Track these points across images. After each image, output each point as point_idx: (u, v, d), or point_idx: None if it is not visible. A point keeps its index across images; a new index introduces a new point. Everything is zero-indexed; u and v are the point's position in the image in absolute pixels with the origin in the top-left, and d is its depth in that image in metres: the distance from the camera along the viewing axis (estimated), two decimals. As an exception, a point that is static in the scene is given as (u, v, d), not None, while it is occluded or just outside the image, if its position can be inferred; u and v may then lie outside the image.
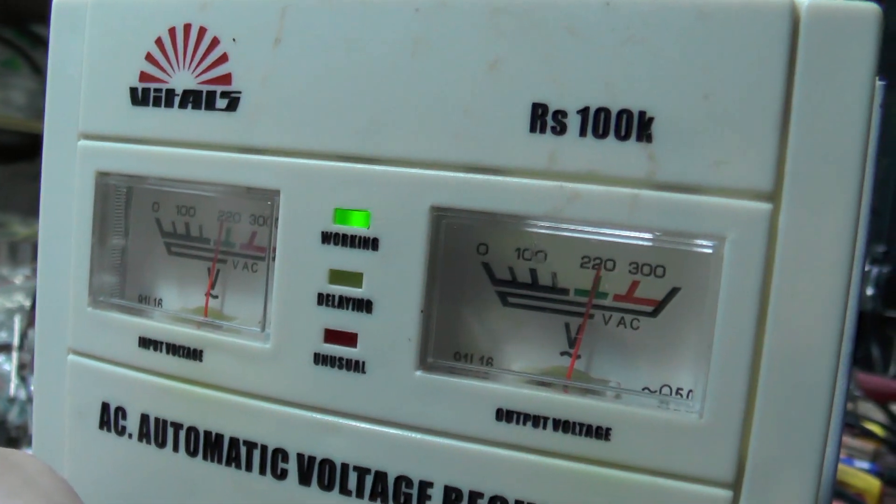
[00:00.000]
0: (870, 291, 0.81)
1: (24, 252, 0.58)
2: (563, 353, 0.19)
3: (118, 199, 0.23)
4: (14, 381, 0.49)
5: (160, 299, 0.23)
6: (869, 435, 0.61)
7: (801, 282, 0.16)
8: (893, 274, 0.80)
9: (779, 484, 0.16)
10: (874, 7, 0.16)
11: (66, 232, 0.23)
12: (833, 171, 0.16)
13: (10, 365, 0.52)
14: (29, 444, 0.20)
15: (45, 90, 0.24)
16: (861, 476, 0.52)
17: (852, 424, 0.63)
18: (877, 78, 0.17)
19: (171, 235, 0.23)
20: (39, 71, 0.74)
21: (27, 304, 0.54)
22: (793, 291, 0.16)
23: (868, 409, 0.66)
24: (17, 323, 0.51)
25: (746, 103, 0.16)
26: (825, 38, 0.16)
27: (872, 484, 0.51)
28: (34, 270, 0.62)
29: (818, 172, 0.16)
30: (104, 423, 0.22)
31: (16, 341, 0.50)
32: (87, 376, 0.23)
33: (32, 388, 0.25)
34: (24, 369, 0.50)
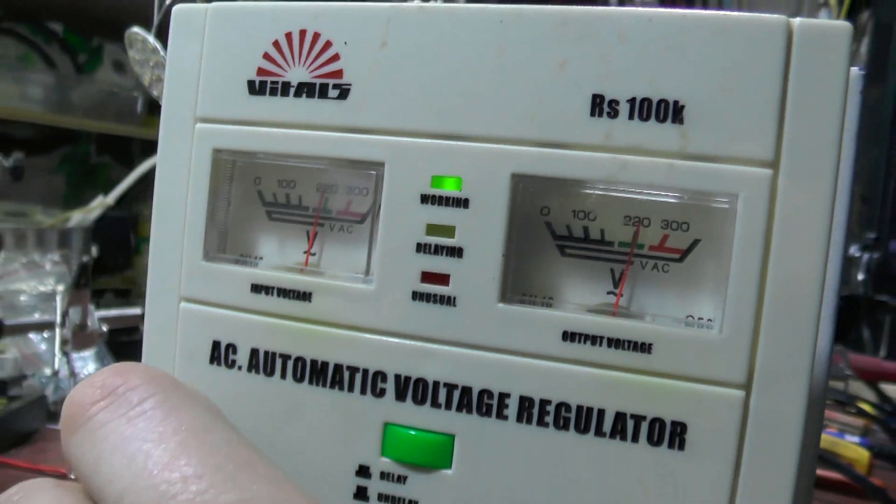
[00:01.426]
0: (861, 276, 0.81)
1: (51, 239, 0.61)
2: (609, 293, 0.24)
3: (226, 173, 0.27)
4: (58, 356, 0.53)
5: (261, 257, 0.28)
6: (862, 413, 0.67)
7: (794, 229, 0.21)
8: (883, 260, 0.80)
9: (780, 384, 0.21)
10: (847, 25, 0.22)
11: (177, 201, 0.27)
12: (818, 144, 0.21)
13: (45, 344, 0.55)
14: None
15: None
16: (852, 447, 0.58)
17: (846, 403, 0.68)
18: (857, 69, 0.23)
19: (272, 205, 0.27)
20: (54, 65, 0.76)
21: (59, 287, 0.57)
22: (788, 236, 0.21)
23: (859, 388, 0.72)
24: (59, 302, 0.54)
25: (754, 94, 0.21)
26: (812, 46, 0.21)
27: (862, 454, 0.57)
28: (62, 256, 0.66)
29: (807, 145, 0.21)
30: (214, 358, 0.26)
31: (58, 319, 0.53)
32: (199, 320, 0.27)
33: (144, 334, 0.29)
34: (66, 345, 0.54)
